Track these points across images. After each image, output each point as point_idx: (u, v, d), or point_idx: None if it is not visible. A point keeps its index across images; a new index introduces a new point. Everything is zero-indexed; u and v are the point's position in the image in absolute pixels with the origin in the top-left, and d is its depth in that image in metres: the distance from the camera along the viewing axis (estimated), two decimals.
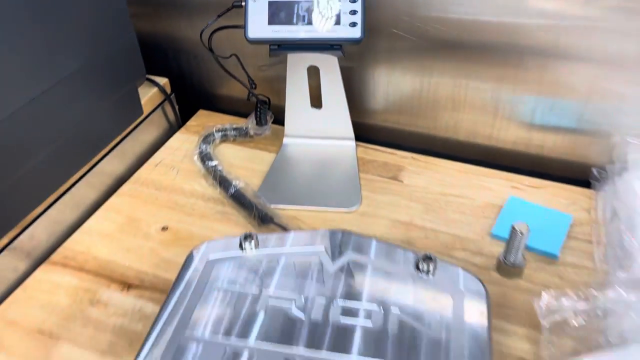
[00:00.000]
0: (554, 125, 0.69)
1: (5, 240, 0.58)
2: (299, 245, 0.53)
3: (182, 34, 0.82)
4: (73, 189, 0.67)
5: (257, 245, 0.53)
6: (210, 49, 0.69)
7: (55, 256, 0.63)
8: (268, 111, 0.77)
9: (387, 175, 0.72)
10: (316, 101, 0.72)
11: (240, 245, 0.53)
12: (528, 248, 0.60)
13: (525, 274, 0.58)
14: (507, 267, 0.57)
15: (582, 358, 0.46)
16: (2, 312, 0.57)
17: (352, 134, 0.75)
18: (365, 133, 0.77)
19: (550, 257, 0.59)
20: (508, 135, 0.72)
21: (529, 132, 0.70)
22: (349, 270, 0.50)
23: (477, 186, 0.69)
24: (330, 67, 0.67)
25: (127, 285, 0.59)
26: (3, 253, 0.58)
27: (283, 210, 0.66)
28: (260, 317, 0.46)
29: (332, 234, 0.53)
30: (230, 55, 0.71)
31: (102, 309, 0.57)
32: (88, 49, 0.62)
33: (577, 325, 0.47)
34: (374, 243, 0.52)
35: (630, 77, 0.62)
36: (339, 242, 0.53)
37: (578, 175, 0.69)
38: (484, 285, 0.49)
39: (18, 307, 0.57)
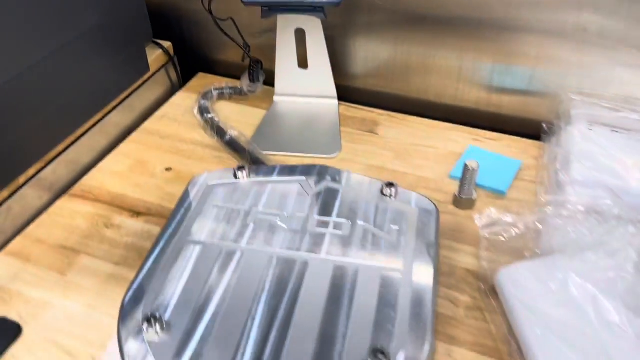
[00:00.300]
0: (509, 87, 0.78)
1: (32, 171, 0.67)
2: (283, 176, 0.63)
3: (185, 3, 0.91)
4: (88, 134, 0.76)
5: (249, 175, 0.63)
6: (210, 12, 0.78)
7: (73, 190, 0.72)
8: (260, 70, 0.86)
9: (365, 129, 0.82)
10: (303, 63, 0.82)
11: (235, 175, 0.62)
12: (481, 186, 0.70)
13: (476, 206, 0.68)
14: (461, 200, 0.67)
15: (513, 265, 0.57)
16: (30, 233, 0.66)
17: (335, 93, 0.84)
18: (347, 94, 0.87)
19: (499, 194, 0.70)
20: (470, 96, 0.82)
21: (488, 94, 0.80)
22: (324, 194, 0.60)
23: (442, 138, 0.79)
24: (314, 30, 0.77)
25: (136, 213, 0.69)
26: (30, 183, 0.68)
27: (273, 155, 0.76)
28: (251, 227, 0.56)
29: (312, 166, 0.63)
30: (227, 18, 0.80)
31: (115, 231, 0.66)
32: (103, 9, 0.72)
33: (513, 235, 0.57)
34: (346, 174, 0.62)
35: (570, 45, 0.72)
36: (317, 172, 0.63)
37: (531, 130, 0.79)
38: (434, 205, 0.59)
39: (43, 229, 0.67)
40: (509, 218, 0.59)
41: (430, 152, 0.77)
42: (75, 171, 0.74)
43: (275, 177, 0.63)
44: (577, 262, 0.55)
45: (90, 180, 0.74)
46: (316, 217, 0.57)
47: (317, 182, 0.61)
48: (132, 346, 0.46)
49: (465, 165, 0.65)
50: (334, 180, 0.62)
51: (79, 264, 0.62)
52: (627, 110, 0.72)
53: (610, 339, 0.49)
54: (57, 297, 0.59)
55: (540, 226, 0.59)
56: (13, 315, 0.57)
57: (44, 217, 0.68)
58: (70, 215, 0.69)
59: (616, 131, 0.71)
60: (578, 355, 0.48)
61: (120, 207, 0.70)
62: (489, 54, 0.77)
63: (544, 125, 0.77)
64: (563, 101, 0.75)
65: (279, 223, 0.56)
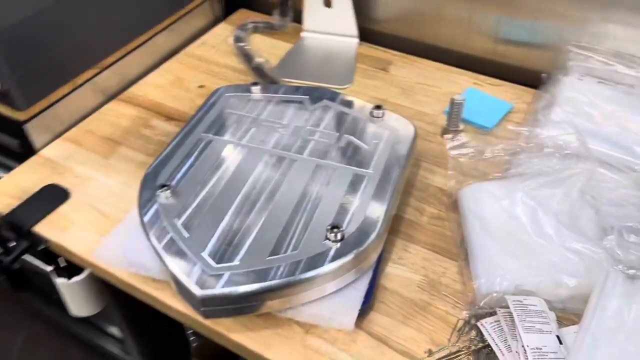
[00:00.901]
0: (513, 38, 0.84)
1: (89, 74, 0.81)
2: (289, 94, 0.73)
3: None
4: (138, 50, 0.89)
5: (261, 91, 0.74)
6: None
7: (121, 95, 0.86)
8: (290, 7, 0.96)
9: (379, 67, 0.90)
10: (328, 2, 0.91)
11: (249, 90, 0.73)
12: (469, 122, 0.78)
13: (468, 136, 0.76)
14: (448, 131, 0.76)
15: (474, 184, 0.65)
16: (83, 125, 0.81)
17: (355, 32, 0.93)
18: (368, 36, 0.95)
19: (484, 130, 0.77)
20: (478, 44, 0.88)
21: (494, 43, 0.87)
22: (320, 110, 0.70)
23: (447, 80, 0.87)
24: None
25: (170, 118, 0.82)
26: (86, 85, 0.81)
27: (291, 82, 0.87)
28: (253, 130, 0.68)
29: (314, 88, 0.73)
30: None
31: (151, 130, 0.79)
32: None
33: (479, 158, 0.66)
34: (341, 96, 0.72)
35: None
36: (318, 93, 0.73)
37: (532, 80, 0.85)
38: (414, 127, 0.68)
39: (94, 123, 0.81)
40: (476, 144, 0.67)
41: (433, 91, 0.85)
42: (125, 80, 0.88)
43: (281, 95, 0.73)
44: (528, 183, 0.63)
45: (136, 89, 0.87)
46: (308, 127, 0.67)
47: (316, 100, 0.72)
48: (148, 205, 0.58)
49: (452, 99, 0.73)
50: (330, 100, 0.71)
51: (119, 152, 0.76)
52: (617, 65, 0.77)
53: (540, 246, 0.57)
54: (99, 175, 0.72)
55: (504, 154, 0.67)
56: (64, 184, 0.71)
57: (95, 115, 0.82)
58: (116, 115, 0.82)
59: (603, 82, 0.76)
60: (511, 257, 0.57)
61: (157, 112, 0.83)
62: (495, 5, 0.83)
63: (543, 76, 0.83)
64: (561, 53, 0.81)
65: (276, 129, 0.67)
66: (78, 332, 1.30)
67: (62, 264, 0.74)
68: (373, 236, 0.55)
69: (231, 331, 0.55)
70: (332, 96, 0.72)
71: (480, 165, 0.67)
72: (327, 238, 0.54)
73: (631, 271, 0.53)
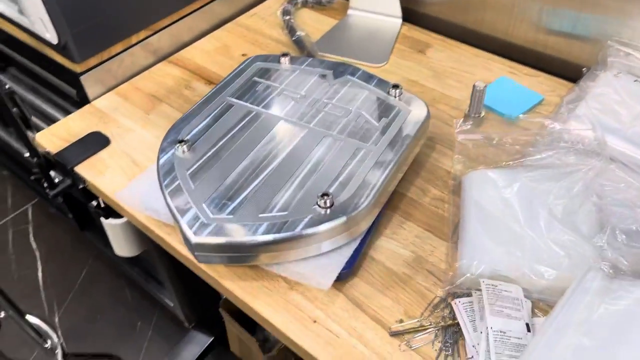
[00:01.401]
0: (555, 29, 0.82)
1: (142, 35, 0.88)
2: (315, 67, 0.76)
3: None
4: (191, 16, 0.95)
5: (290, 62, 0.77)
6: None
7: (171, 58, 0.93)
8: None
9: (417, 48, 0.91)
10: None
11: (278, 60, 0.78)
12: (493, 110, 0.78)
13: (483, 125, 0.76)
14: (469, 117, 0.76)
15: (480, 170, 0.66)
16: (133, 82, 0.88)
17: (399, 13, 0.94)
18: (412, 17, 0.96)
19: (508, 119, 0.77)
20: (519, 33, 0.86)
21: (536, 33, 0.85)
22: (339, 84, 0.73)
23: (482, 67, 0.86)
24: None
25: (209, 82, 0.87)
26: (139, 45, 0.89)
27: (328, 57, 0.90)
28: (273, 97, 0.72)
29: (339, 63, 0.76)
30: None
31: (191, 92, 0.86)
32: None
33: (488, 145, 0.66)
34: (363, 72, 0.74)
35: None
36: (341, 68, 0.75)
37: (572, 73, 0.83)
38: (427, 109, 0.69)
39: (142, 81, 0.88)
40: (488, 130, 0.67)
41: (465, 77, 0.85)
42: (176, 44, 0.94)
43: (306, 67, 0.76)
44: (529, 175, 0.63)
45: (185, 52, 0.94)
46: (324, 99, 0.71)
47: (339, 75, 0.74)
48: (165, 156, 0.65)
49: (474, 86, 0.73)
50: (351, 75, 0.74)
51: (160, 109, 0.83)
52: None
53: (528, 236, 0.58)
54: (138, 127, 0.80)
55: (515, 144, 0.67)
56: (107, 133, 0.79)
57: (145, 73, 0.90)
58: (163, 75, 0.89)
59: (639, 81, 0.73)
60: (497, 243, 0.58)
61: (199, 75, 0.89)
62: None
63: (584, 70, 0.80)
64: (603, 48, 0.78)
65: (295, 98, 0.71)
66: (132, 275, 1.43)
67: (103, 204, 0.83)
68: (362, 207, 0.57)
69: (223, 278, 0.61)
70: (354, 71, 0.75)
71: (489, 152, 0.67)
72: (317, 204, 0.58)
73: (611, 270, 0.53)
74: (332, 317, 0.57)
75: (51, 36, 0.77)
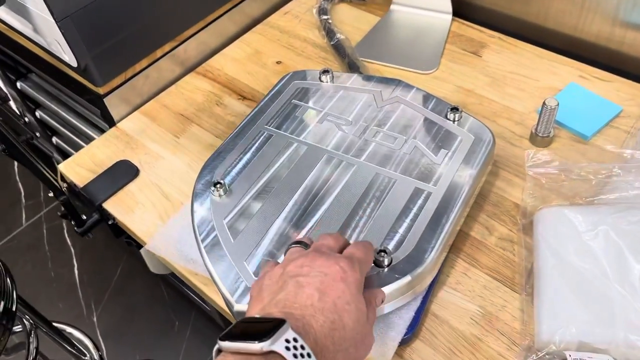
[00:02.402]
0: (635, 22, 0.71)
1: (167, 47, 0.81)
2: (361, 84, 0.68)
3: None
4: (219, 21, 0.87)
5: (332, 80, 0.69)
6: None
7: (199, 68, 0.85)
8: None
9: (470, 49, 0.81)
10: None
11: (320, 77, 0.69)
12: (564, 126, 0.68)
13: (551, 146, 0.67)
14: (536, 137, 0.67)
15: (554, 207, 0.57)
16: (160, 99, 0.81)
17: (450, 9, 0.84)
18: (465, 10, 0.86)
19: (581, 137, 0.67)
20: (592, 27, 0.76)
21: (612, 27, 0.74)
22: (391, 106, 0.65)
23: (546, 70, 0.76)
24: None
25: (242, 96, 0.80)
26: (165, 57, 0.81)
27: (370, 63, 0.81)
28: (316, 124, 0.64)
29: (390, 79, 0.68)
30: None
31: (222, 109, 0.79)
32: None
33: (560, 180, 0.58)
34: (417, 92, 0.65)
35: None
36: (392, 85, 0.67)
37: None
38: (492, 136, 0.60)
39: (170, 97, 0.81)
40: (562, 160, 0.59)
41: (528, 83, 0.75)
42: (204, 52, 0.87)
43: (353, 85, 0.68)
44: (618, 216, 0.54)
45: (213, 62, 0.86)
46: (373, 126, 0.63)
47: (388, 94, 0.66)
48: (200, 200, 0.58)
49: (544, 103, 0.64)
50: (404, 93, 0.66)
51: (190, 131, 0.76)
52: None
53: (620, 296, 0.50)
54: (168, 153, 0.73)
55: (595, 176, 0.58)
56: (135, 161, 0.73)
57: (172, 88, 0.83)
58: (192, 89, 0.82)
59: None
60: (582, 305, 0.50)
61: (231, 89, 0.81)
62: None
63: None
64: None
65: (340, 126, 0.63)
66: (168, 277, 1.40)
67: None
68: (423, 266, 0.50)
69: None
70: (406, 89, 0.66)
71: (566, 185, 0.59)
72: (374, 262, 0.51)
73: None
74: None
75: (70, 59, 0.70)
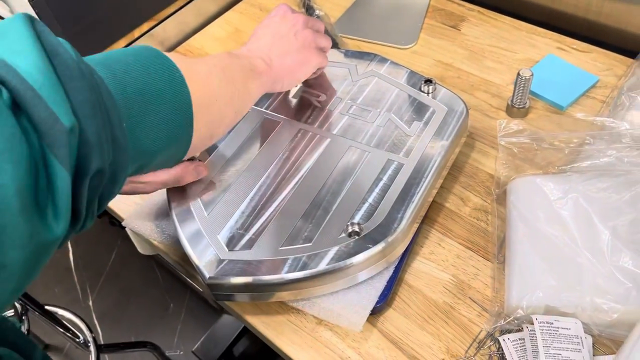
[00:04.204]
0: None
1: (145, 27, 0.81)
2: (338, 59, 0.68)
3: None
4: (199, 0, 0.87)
5: None
6: None
7: (179, 48, 0.85)
8: None
9: (449, 23, 0.81)
10: None
11: None
12: (540, 97, 0.68)
13: (528, 117, 0.67)
14: (512, 109, 0.67)
15: (527, 176, 0.58)
16: None
17: None
18: None
19: (557, 108, 0.68)
20: None
21: None
22: (365, 79, 0.65)
23: (525, 43, 0.76)
24: None
25: None
26: (144, 37, 0.81)
27: (349, 39, 0.81)
28: (293, 99, 0.64)
29: (363, 53, 0.67)
30: None
31: None
32: None
33: (532, 148, 0.58)
34: (391, 65, 0.65)
35: None
36: (367, 59, 0.67)
37: (631, 46, 0.72)
38: (466, 107, 0.60)
39: None
40: (535, 130, 0.59)
41: (506, 56, 0.75)
42: (184, 32, 0.87)
43: (330, 59, 0.68)
44: (589, 184, 0.54)
45: (194, 41, 0.86)
46: (349, 101, 0.63)
47: (363, 67, 0.66)
48: None
49: (518, 74, 0.64)
50: (378, 66, 0.66)
51: None
52: None
53: (588, 262, 0.50)
54: None
55: (567, 145, 0.58)
56: None
57: None
58: None
59: None
60: (551, 271, 0.51)
61: None
62: None
63: None
64: None
65: (315, 101, 0.63)
66: (162, 259, 1.41)
67: None
68: (394, 235, 0.51)
69: (246, 312, 0.56)
70: (380, 63, 0.66)
71: (538, 155, 0.59)
72: (344, 232, 0.51)
73: None
74: (365, 358, 0.51)
75: None
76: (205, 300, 1.49)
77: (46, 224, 0.29)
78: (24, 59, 0.30)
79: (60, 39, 0.34)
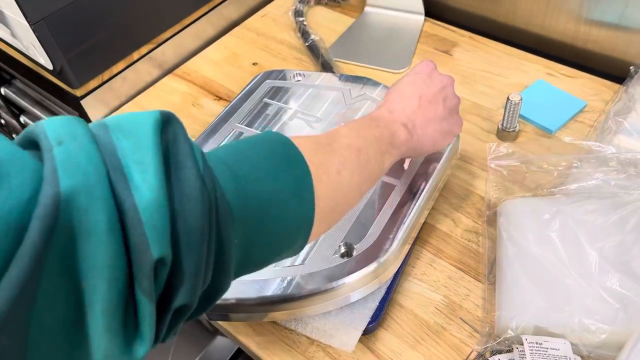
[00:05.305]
0: (598, 19, 0.73)
1: (144, 50, 0.82)
2: (330, 83, 0.70)
3: None
4: (196, 23, 0.88)
5: (302, 79, 0.71)
6: None
7: (177, 71, 0.87)
8: None
9: (442, 48, 0.83)
10: None
11: (291, 77, 0.71)
12: (530, 121, 0.70)
13: (517, 140, 0.69)
14: (502, 132, 0.69)
15: (516, 199, 0.59)
16: (138, 101, 0.83)
17: (422, 9, 0.86)
18: (435, 10, 0.87)
19: (546, 132, 0.69)
20: (558, 26, 0.77)
21: (577, 25, 0.76)
22: (359, 103, 0.66)
23: (515, 68, 0.78)
24: None
25: (219, 97, 0.81)
26: (143, 59, 0.83)
27: (344, 63, 0.82)
28: (288, 121, 0.65)
29: (356, 77, 0.69)
30: None
31: (198, 109, 0.80)
32: None
33: (522, 171, 0.59)
34: (381, 87, 0.67)
35: None
36: (360, 83, 0.68)
37: (618, 72, 0.74)
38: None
39: (147, 99, 0.83)
40: (524, 153, 0.60)
41: (497, 81, 0.77)
42: (182, 55, 0.88)
43: (323, 83, 0.70)
44: (577, 206, 0.55)
45: (191, 63, 0.88)
46: (342, 123, 0.64)
47: (356, 91, 0.67)
48: None
49: (508, 98, 0.65)
50: (371, 90, 0.67)
51: None
52: None
53: (575, 283, 0.51)
54: None
55: (556, 168, 0.60)
56: None
57: (150, 90, 0.84)
58: (169, 91, 0.84)
59: None
60: (540, 292, 0.51)
61: (207, 90, 0.83)
62: None
63: (632, 68, 0.72)
64: None
65: (310, 123, 0.65)
66: None
67: None
68: (386, 256, 0.52)
69: (239, 333, 0.56)
70: (374, 86, 0.68)
71: (529, 177, 0.60)
72: (336, 252, 0.52)
73: None
74: None
75: (45, 62, 0.71)
76: (200, 322, 1.48)
77: (129, 347, 0.27)
78: (140, 172, 0.27)
79: (194, 146, 0.31)
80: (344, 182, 0.41)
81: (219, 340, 1.37)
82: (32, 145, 0.27)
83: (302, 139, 0.39)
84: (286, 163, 0.37)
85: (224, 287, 0.33)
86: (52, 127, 0.27)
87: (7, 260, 0.23)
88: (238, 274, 0.35)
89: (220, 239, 0.31)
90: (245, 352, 1.21)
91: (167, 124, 0.30)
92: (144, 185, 0.27)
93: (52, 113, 0.98)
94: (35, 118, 1.05)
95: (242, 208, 0.33)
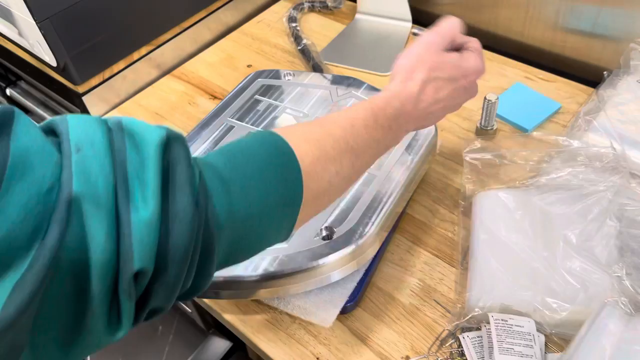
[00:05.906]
0: (573, 27, 0.77)
1: (144, 51, 0.87)
2: (318, 82, 0.74)
3: None
4: (195, 27, 0.93)
5: (292, 77, 0.75)
6: None
7: (175, 72, 0.91)
8: None
9: None
10: None
11: (284, 76, 0.75)
12: (507, 121, 0.74)
13: (496, 138, 0.72)
14: (481, 130, 0.73)
15: (491, 190, 0.62)
16: (137, 99, 0.87)
17: (409, 17, 0.90)
18: (422, 18, 0.92)
19: (522, 130, 0.73)
20: (536, 33, 0.82)
21: (554, 32, 0.80)
22: (344, 100, 0.70)
23: (496, 72, 0.82)
24: None
25: (214, 96, 0.85)
26: (143, 60, 0.87)
27: (334, 66, 0.87)
28: (277, 116, 0.69)
29: (342, 77, 0.73)
30: None
31: (195, 108, 0.84)
32: None
33: (496, 164, 0.63)
34: (366, 85, 0.71)
35: None
36: (346, 82, 0.72)
37: (592, 76, 0.78)
38: (435, 129, 0.66)
39: (146, 97, 0.87)
40: (498, 148, 0.64)
41: (479, 84, 0.80)
42: (180, 56, 0.92)
43: (311, 82, 0.74)
44: (545, 197, 0.59)
45: (189, 65, 0.92)
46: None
47: (343, 89, 0.71)
48: None
49: (485, 98, 0.69)
50: (356, 89, 0.71)
51: None
52: None
53: (542, 266, 0.55)
54: None
55: (528, 162, 0.63)
56: None
57: (148, 89, 0.88)
58: (167, 90, 0.88)
59: None
60: (508, 274, 0.55)
61: (203, 90, 0.87)
62: None
63: (605, 73, 0.76)
64: (625, 49, 0.73)
65: (297, 117, 0.69)
66: None
67: None
68: (368, 234, 0.55)
69: (225, 311, 0.59)
70: (358, 85, 0.72)
71: (501, 171, 0.64)
72: (318, 235, 0.55)
73: (630, 306, 0.49)
74: (335, 354, 0.55)
75: (50, 59, 0.76)
76: (194, 322, 1.51)
77: (111, 332, 0.31)
78: (140, 190, 0.30)
79: (194, 168, 0.33)
80: (333, 188, 0.43)
81: (213, 340, 1.39)
82: (54, 132, 0.31)
83: (306, 144, 0.41)
84: (280, 173, 0.38)
85: (202, 288, 0.36)
86: (74, 128, 0.30)
87: (30, 241, 0.26)
88: (218, 269, 0.37)
89: (204, 252, 0.34)
90: (238, 352, 1.23)
91: (172, 143, 0.33)
92: (142, 204, 0.30)
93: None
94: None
95: (231, 221, 0.35)
